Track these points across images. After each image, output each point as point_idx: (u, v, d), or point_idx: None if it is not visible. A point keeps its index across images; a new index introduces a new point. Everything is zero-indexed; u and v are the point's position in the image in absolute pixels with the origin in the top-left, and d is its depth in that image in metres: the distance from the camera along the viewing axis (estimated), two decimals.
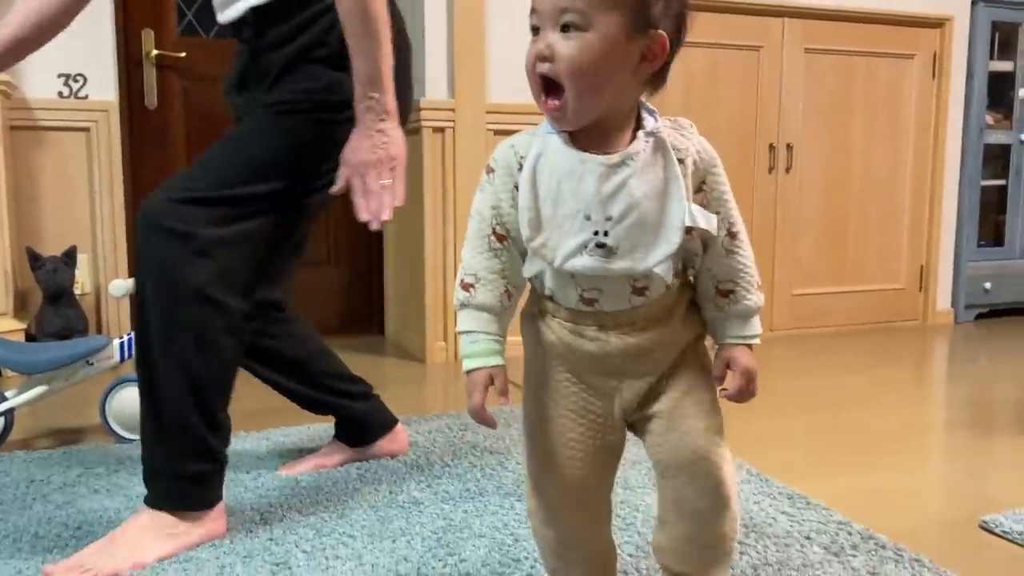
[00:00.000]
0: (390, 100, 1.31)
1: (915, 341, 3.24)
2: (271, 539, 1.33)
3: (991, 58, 3.49)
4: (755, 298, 0.96)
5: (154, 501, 1.30)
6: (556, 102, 0.86)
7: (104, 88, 2.67)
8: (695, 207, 0.90)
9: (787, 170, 3.20)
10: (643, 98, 0.93)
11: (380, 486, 1.56)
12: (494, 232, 0.94)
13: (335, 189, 1.33)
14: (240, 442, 1.82)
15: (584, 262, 0.89)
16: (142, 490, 1.34)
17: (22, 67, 2.56)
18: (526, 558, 1.25)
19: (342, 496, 1.51)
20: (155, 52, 2.88)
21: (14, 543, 1.31)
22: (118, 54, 2.75)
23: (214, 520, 1.33)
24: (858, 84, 3.27)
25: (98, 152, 2.67)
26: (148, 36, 2.88)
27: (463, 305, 0.94)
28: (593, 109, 0.87)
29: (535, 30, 0.87)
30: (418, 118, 2.65)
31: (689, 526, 0.97)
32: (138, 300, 1.31)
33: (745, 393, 0.96)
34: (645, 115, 0.92)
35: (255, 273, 1.36)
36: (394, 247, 3.10)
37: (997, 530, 1.40)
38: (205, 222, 1.27)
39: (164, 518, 1.29)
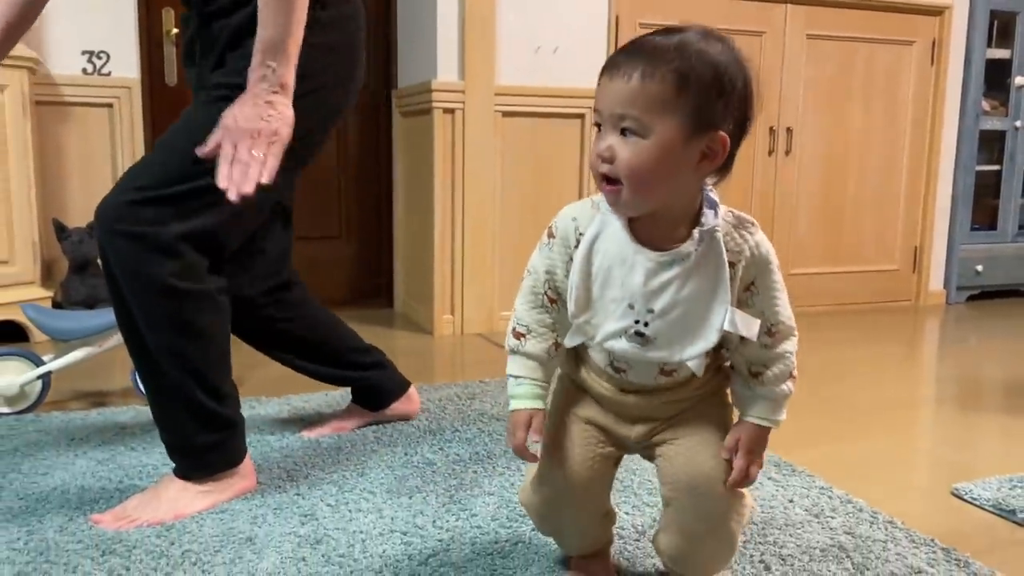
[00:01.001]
0: (287, 74, 1.26)
1: (908, 320, 3.35)
2: (298, 494, 1.44)
3: (989, 46, 3.56)
4: (785, 387, 0.99)
5: (182, 473, 1.40)
6: (613, 189, 0.91)
7: (127, 65, 2.76)
8: (738, 314, 0.94)
9: (787, 153, 3.29)
10: (710, 184, 0.96)
11: (396, 448, 1.68)
12: (546, 294, 1.02)
13: (201, 152, 1.25)
14: (263, 407, 1.94)
15: (622, 346, 0.97)
16: None
17: (48, 43, 2.66)
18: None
19: (361, 457, 1.63)
20: (175, 31, 2.96)
21: (62, 494, 1.43)
22: (140, 32, 2.84)
23: (244, 476, 1.45)
24: (858, 70, 3.35)
25: (120, 127, 2.76)
26: (168, 15, 2.96)
27: (513, 352, 1.04)
28: (649, 204, 0.92)
29: (598, 126, 0.92)
30: (429, 99, 2.75)
31: (687, 544, 1.05)
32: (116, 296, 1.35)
33: (743, 476, 0.98)
34: (706, 209, 0.94)
35: (224, 253, 1.39)
36: (403, 222, 3.20)
37: (967, 496, 1.51)
38: (162, 221, 1.28)
39: (194, 485, 1.39)
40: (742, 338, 0.97)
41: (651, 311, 0.95)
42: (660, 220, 0.94)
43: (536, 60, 2.84)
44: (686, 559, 1.07)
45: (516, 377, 1.03)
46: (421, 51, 2.91)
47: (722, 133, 0.89)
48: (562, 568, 1.19)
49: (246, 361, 2.44)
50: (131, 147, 2.78)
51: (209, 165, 1.24)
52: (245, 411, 1.88)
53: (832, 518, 1.39)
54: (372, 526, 1.32)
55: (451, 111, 2.76)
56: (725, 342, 1.00)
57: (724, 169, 0.93)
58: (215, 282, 1.38)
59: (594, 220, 0.97)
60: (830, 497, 1.47)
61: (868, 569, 1.21)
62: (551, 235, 1.01)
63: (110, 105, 2.75)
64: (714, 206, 0.94)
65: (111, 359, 2.26)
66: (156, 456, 1.61)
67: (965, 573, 1.20)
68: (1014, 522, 1.41)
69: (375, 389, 1.81)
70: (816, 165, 3.36)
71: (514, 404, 1.02)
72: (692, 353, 0.96)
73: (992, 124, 3.63)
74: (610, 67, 0.90)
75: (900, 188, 3.52)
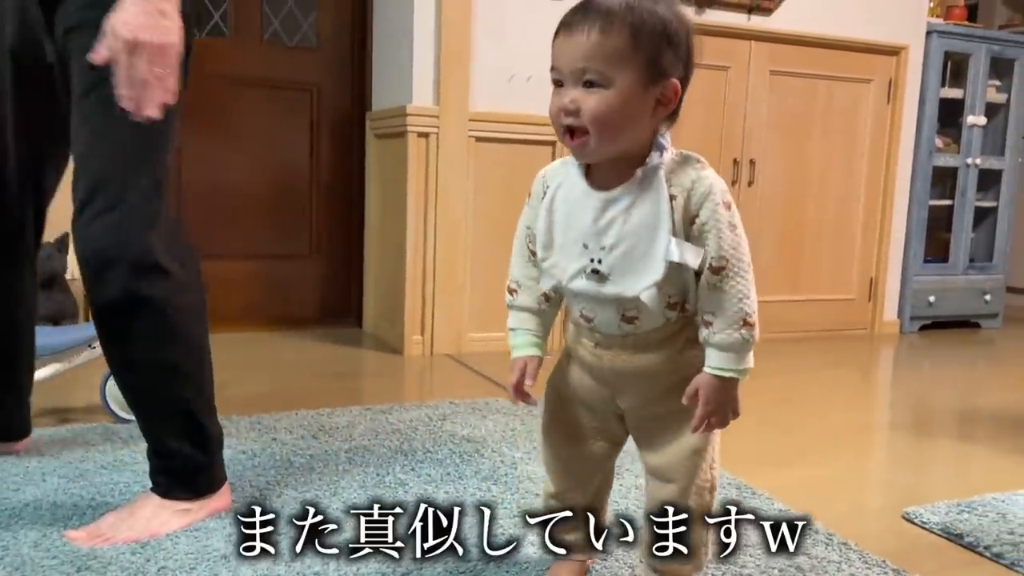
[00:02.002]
0: None
1: (863, 349, 3.45)
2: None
3: (943, 85, 3.71)
4: (738, 334, 1.00)
5: (164, 492, 1.40)
6: (580, 140, 0.97)
7: None
8: (680, 243, 0.98)
9: (749, 184, 3.39)
10: (662, 130, 1.02)
11: (368, 468, 1.70)
12: (529, 247, 1.11)
13: (95, 58, 1.16)
14: (235, 425, 1.95)
15: (582, 284, 1.04)
16: (146, 466, 1.47)
17: None
18: (503, 533, 1.40)
19: (333, 476, 1.65)
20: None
21: (35, 511, 1.43)
22: None
23: (221, 496, 1.46)
24: (818, 105, 3.47)
25: None
26: None
27: (509, 307, 1.14)
28: (613, 149, 0.99)
29: (557, 83, 0.98)
30: (404, 123, 2.79)
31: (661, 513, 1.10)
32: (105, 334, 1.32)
33: (708, 423, 1.02)
34: (653, 152, 1.00)
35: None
36: (374, 242, 3.23)
37: (917, 520, 1.58)
38: (158, 242, 1.28)
39: (173, 504, 1.40)
40: (697, 278, 1.01)
41: (602, 248, 1.01)
42: (615, 164, 1.01)
43: (510, 88, 2.90)
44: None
45: (513, 330, 1.13)
46: (396, 75, 2.96)
47: (674, 80, 0.97)
48: None
49: (218, 380, 2.45)
50: None
51: (159, 158, 1.26)
52: None
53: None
54: (347, 544, 1.35)
55: (425, 135, 2.81)
56: (685, 292, 1.03)
57: (674, 115, 1.01)
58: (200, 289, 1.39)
59: (559, 174, 1.07)
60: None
61: None
62: (529, 194, 1.12)
63: None
64: (661, 148, 1.01)
65: (78, 375, 2.25)
66: (127, 474, 1.61)
67: None
68: (962, 545, 1.48)
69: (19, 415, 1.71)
70: (777, 197, 3.46)
71: (514, 353, 1.12)
72: (644, 284, 1.00)
73: (945, 161, 3.77)
74: (566, 26, 0.97)
75: (857, 220, 3.64)
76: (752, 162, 3.38)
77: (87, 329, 1.99)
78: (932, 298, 3.81)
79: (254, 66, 3.20)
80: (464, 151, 2.85)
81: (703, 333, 1.02)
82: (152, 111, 1.19)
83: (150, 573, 1.23)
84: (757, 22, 3.28)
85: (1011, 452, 2.04)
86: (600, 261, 1.02)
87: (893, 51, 3.55)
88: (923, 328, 3.85)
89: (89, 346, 1.98)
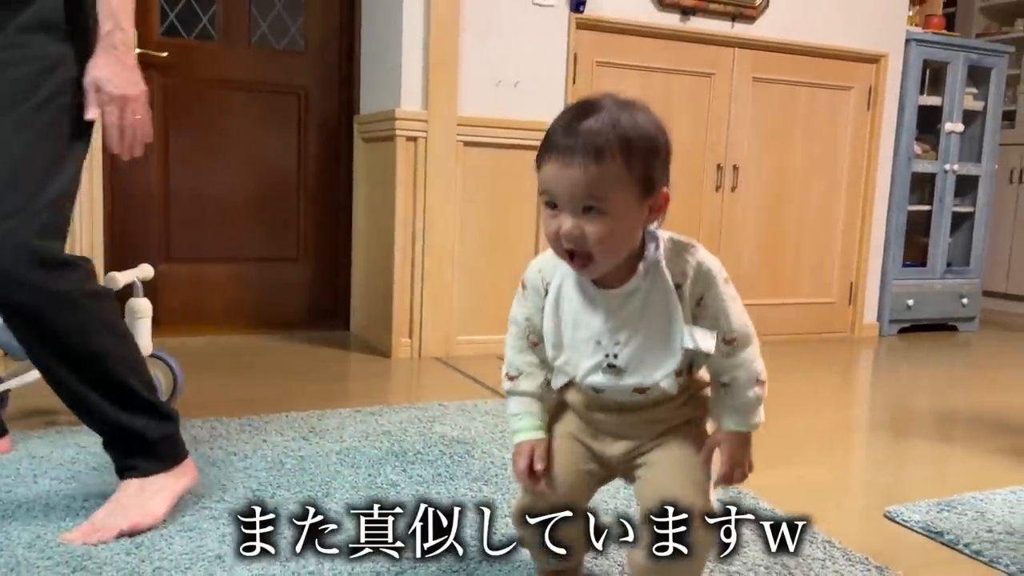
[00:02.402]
0: (132, 35, 1.33)
1: (843, 351, 3.50)
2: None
3: (921, 93, 3.78)
4: (752, 392, 1.07)
5: (141, 473, 1.43)
6: (583, 263, 1.00)
7: None
8: (694, 330, 1.03)
9: (732, 189, 3.43)
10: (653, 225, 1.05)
11: (359, 469, 1.72)
12: (529, 338, 1.15)
13: (91, 115, 1.32)
14: (224, 427, 1.96)
15: (599, 379, 1.08)
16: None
17: None
18: (493, 533, 1.42)
19: (325, 478, 1.66)
20: (137, 50, 2.97)
21: (27, 512, 1.44)
22: None
23: (189, 469, 1.50)
24: (800, 112, 3.53)
25: None
26: None
27: (510, 393, 1.17)
28: (615, 264, 1.02)
29: (550, 204, 1.00)
30: (393, 127, 2.81)
31: (655, 564, 1.06)
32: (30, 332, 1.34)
33: (731, 478, 1.08)
34: (648, 243, 1.04)
35: None
36: (363, 245, 3.24)
37: (898, 519, 1.62)
38: (55, 236, 1.33)
39: (152, 481, 1.43)
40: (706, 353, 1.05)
41: (618, 343, 1.05)
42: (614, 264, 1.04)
43: (497, 93, 2.93)
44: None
45: (516, 414, 1.16)
46: (385, 79, 2.97)
47: (664, 189, 1.01)
48: None
49: (204, 382, 2.46)
50: (88, 164, 2.77)
51: (53, 161, 1.30)
52: (206, 432, 1.92)
53: None
54: (346, 544, 1.36)
55: (414, 139, 2.83)
56: (694, 360, 1.08)
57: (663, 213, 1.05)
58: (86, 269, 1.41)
59: (557, 270, 1.09)
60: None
61: None
62: (523, 287, 1.13)
63: None
64: (655, 239, 1.04)
65: None
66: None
67: None
68: (942, 543, 1.52)
69: None
70: (759, 202, 3.51)
71: (518, 437, 1.14)
72: (662, 374, 1.06)
73: (923, 167, 3.84)
74: (558, 152, 0.97)
75: (837, 225, 3.69)
76: (735, 168, 3.42)
77: None
78: (911, 302, 3.87)
79: (242, 70, 3.20)
80: (452, 155, 2.87)
81: (719, 395, 1.09)
82: (139, 151, 1.35)
83: (145, 573, 1.24)
84: (741, 30, 3.32)
85: (989, 452, 2.09)
86: (616, 356, 1.06)
87: (873, 59, 3.61)
88: (902, 331, 3.91)
89: None
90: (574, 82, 3.06)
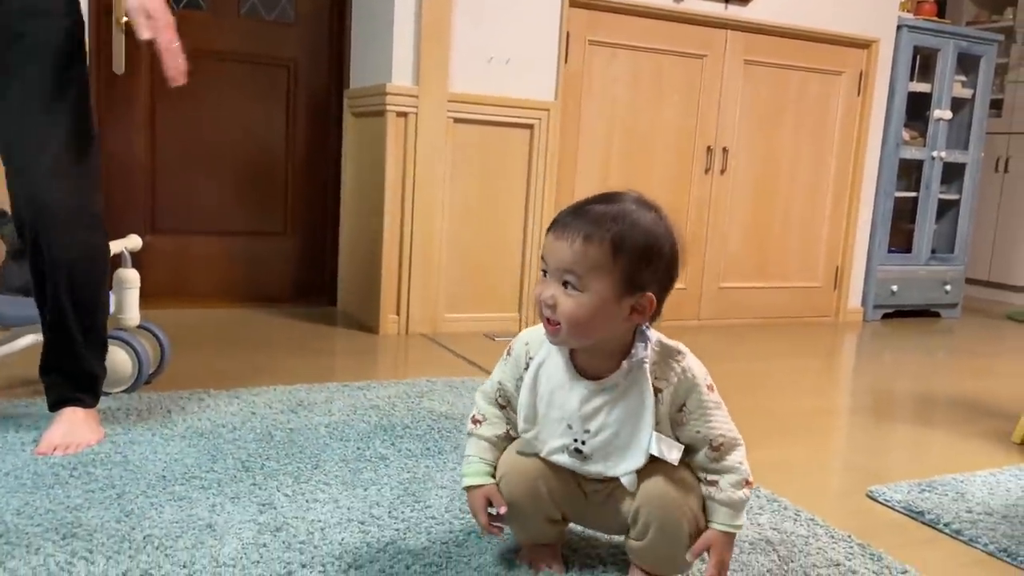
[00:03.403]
0: None
1: (827, 335, 3.53)
2: (254, 484, 1.48)
3: (911, 79, 3.80)
4: (741, 494, 1.09)
5: (91, 403, 1.66)
6: (554, 329, 1.05)
7: None
8: (660, 438, 1.07)
9: (722, 172, 3.44)
10: (644, 325, 1.08)
11: (348, 443, 1.72)
12: (497, 400, 1.20)
13: (145, 36, 1.45)
14: (213, 399, 1.96)
15: (564, 459, 1.12)
16: (127, 438, 1.60)
17: None
18: None
19: (315, 450, 1.67)
20: (125, 19, 2.93)
21: (16, 479, 1.43)
22: (89, 19, 2.80)
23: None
24: (791, 96, 3.53)
25: None
26: (118, 2, 2.93)
27: (469, 434, 1.21)
28: (586, 343, 1.06)
29: (543, 271, 1.06)
30: (383, 102, 2.79)
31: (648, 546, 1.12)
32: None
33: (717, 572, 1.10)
34: (637, 342, 1.07)
35: None
36: (350, 220, 3.23)
37: (880, 498, 1.64)
38: (96, 200, 1.59)
39: (91, 412, 1.66)
40: (688, 453, 1.10)
41: (587, 431, 1.09)
42: (596, 353, 1.09)
43: (489, 70, 2.92)
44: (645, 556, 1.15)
45: (468, 456, 1.20)
46: (376, 54, 2.95)
47: (649, 294, 1.04)
48: (514, 556, 1.26)
49: (192, 354, 2.45)
50: None
51: (91, 127, 1.55)
52: (194, 403, 1.92)
53: (759, 515, 1.49)
54: (330, 515, 1.37)
55: (404, 115, 2.81)
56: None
57: (654, 316, 1.07)
58: None
59: (543, 346, 1.13)
60: (757, 496, 1.58)
61: (792, 561, 1.32)
62: (508, 353, 1.18)
63: None
64: (645, 340, 1.08)
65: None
66: (107, 445, 1.62)
67: (879, 566, 1.32)
68: (923, 522, 1.54)
69: None
70: (748, 185, 3.52)
71: (465, 481, 1.19)
72: (624, 470, 1.09)
73: (911, 153, 3.86)
74: (557, 227, 1.04)
75: (825, 210, 3.71)
76: (725, 150, 3.43)
77: None
78: (895, 287, 3.91)
79: (231, 41, 3.17)
80: (442, 132, 2.86)
81: (709, 491, 1.10)
82: (184, 78, 1.49)
83: (136, 541, 1.24)
84: (734, 11, 3.32)
85: (969, 435, 2.12)
86: (583, 443, 1.10)
87: (864, 44, 3.61)
88: (885, 316, 3.95)
89: None
90: (566, 60, 3.05)
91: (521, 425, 1.15)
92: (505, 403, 1.19)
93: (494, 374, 1.20)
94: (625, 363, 1.06)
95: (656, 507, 1.09)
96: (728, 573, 1.14)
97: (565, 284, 1.03)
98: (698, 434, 1.09)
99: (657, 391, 1.07)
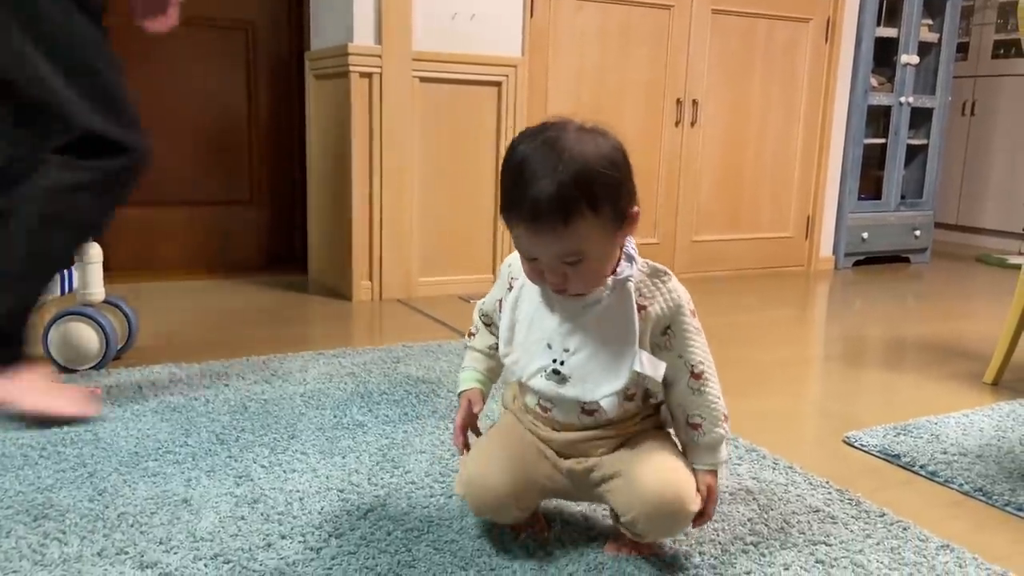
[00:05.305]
0: None
1: (800, 284, 3.56)
2: (230, 456, 1.46)
3: (878, 25, 3.78)
4: (721, 430, 1.08)
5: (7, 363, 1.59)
6: (571, 293, 1.02)
7: None
8: (645, 355, 1.02)
9: (692, 124, 3.42)
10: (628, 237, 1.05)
11: (324, 411, 1.70)
12: (482, 317, 1.21)
13: None
14: (184, 371, 1.93)
15: (541, 383, 1.07)
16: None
17: None
18: None
19: (290, 420, 1.65)
20: None
21: None
22: None
23: None
24: (759, 45, 3.50)
25: None
26: None
27: (466, 347, 1.23)
28: (599, 285, 1.03)
29: (530, 259, 1.01)
30: (346, 63, 2.73)
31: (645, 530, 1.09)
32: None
33: (709, 514, 1.10)
34: (623, 261, 1.04)
35: None
36: (318, 186, 3.17)
37: (856, 444, 1.66)
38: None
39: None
40: (672, 384, 1.08)
41: (566, 350, 1.05)
42: None
43: (453, 27, 2.85)
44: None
45: (463, 368, 1.21)
46: (336, 13, 2.87)
47: (635, 209, 1.01)
48: None
49: (160, 327, 2.41)
50: None
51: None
52: (165, 377, 1.89)
53: (738, 465, 1.50)
54: (308, 485, 1.36)
55: (368, 75, 2.75)
56: (651, 390, 1.11)
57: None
58: None
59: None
60: (736, 446, 1.59)
61: (772, 509, 1.33)
62: (499, 274, 1.15)
63: None
64: (631, 259, 1.04)
65: None
66: (76, 423, 1.58)
67: (857, 510, 1.33)
68: (899, 465, 1.56)
69: None
70: (718, 137, 3.50)
71: (459, 387, 1.20)
72: (604, 391, 1.04)
73: (879, 100, 3.86)
74: (525, 221, 0.96)
75: (795, 159, 3.71)
76: (695, 102, 3.40)
77: None
78: (865, 235, 3.93)
79: (186, 3, 3.06)
80: (408, 92, 2.80)
81: (691, 435, 1.09)
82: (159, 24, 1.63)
83: (110, 519, 1.22)
84: None
85: (941, 378, 2.15)
86: (562, 363, 1.05)
87: None
88: (856, 264, 3.98)
89: None
90: (532, 15, 2.99)
91: (502, 349, 1.11)
92: (489, 321, 1.19)
93: (490, 292, 1.20)
94: (610, 280, 1.03)
95: (656, 512, 1.05)
96: (709, 521, 1.14)
97: (567, 263, 0.99)
98: (680, 359, 1.06)
99: (641, 308, 1.03)
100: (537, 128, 1.01)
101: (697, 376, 1.07)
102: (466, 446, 1.18)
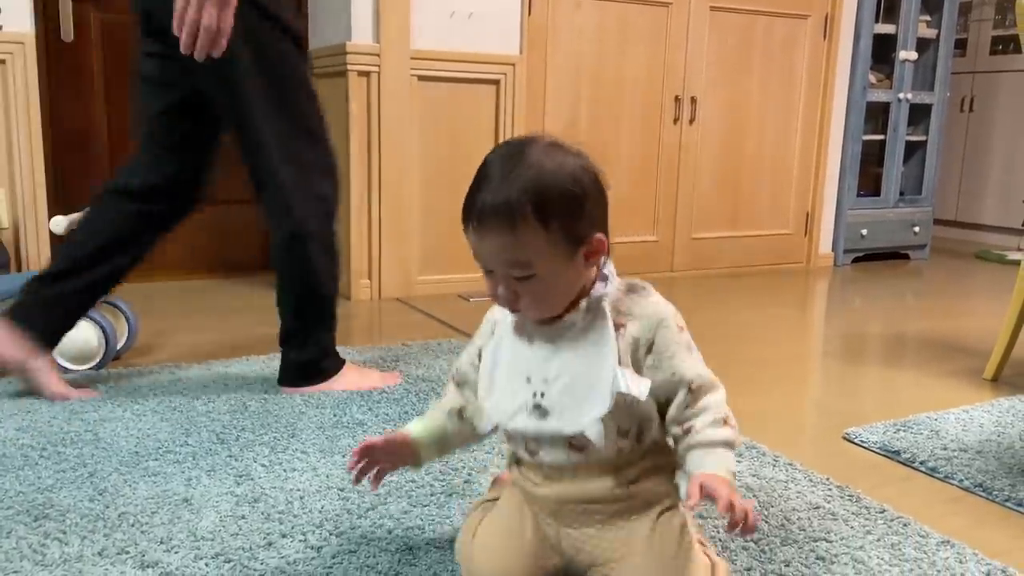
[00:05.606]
0: None
1: (799, 281, 3.56)
2: (230, 456, 1.46)
3: (876, 21, 3.77)
4: (721, 432, 0.92)
5: None
6: (524, 312, 0.96)
7: (19, 19, 2.62)
8: (627, 373, 0.93)
9: (691, 121, 3.42)
10: (604, 260, 0.98)
11: (324, 410, 1.70)
12: (454, 379, 1.09)
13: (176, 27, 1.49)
14: (184, 372, 1.93)
15: (523, 421, 0.98)
16: (97, 415, 1.53)
17: None
18: (463, 467, 1.43)
19: (290, 419, 1.65)
20: None
21: None
22: None
23: None
24: (757, 42, 3.50)
25: (14, 85, 2.63)
26: None
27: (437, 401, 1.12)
28: (557, 311, 0.96)
29: (486, 271, 0.95)
30: (344, 61, 2.72)
31: None
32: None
33: (738, 522, 0.85)
34: (598, 282, 0.97)
35: None
36: None
37: (856, 440, 1.66)
38: None
39: None
40: (668, 402, 0.96)
41: (546, 380, 0.97)
42: None
43: (451, 25, 2.85)
44: None
45: (421, 416, 1.12)
46: (334, 12, 2.87)
47: (598, 236, 0.94)
48: None
49: (160, 327, 2.41)
50: (26, 106, 2.65)
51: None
52: (165, 377, 1.89)
53: (739, 462, 1.50)
54: (308, 484, 1.36)
55: (366, 74, 2.75)
56: (643, 422, 0.97)
57: (609, 251, 0.97)
58: None
59: (505, 313, 1.01)
60: None
61: (772, 506, 1.33)
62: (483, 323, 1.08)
63: (2, 62, 2.61)
64: (605, 279, 0.97)
65: None
66: (76, 423, 1.59)
67: (857, 507, 1.33)
68: (899, 462, 1.56)
69: None
70: (717, 134, 3.50)
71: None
72: (589, 419, 0.94)
73: (878, 96, 3.85)
74: (474, 224, 0.92)
75: (794, 156, 3.71)
76: (693, 99, 3.40)
77: (23, 279, 1.92)
78: (864, 231, 3.93)
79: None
80: (407, 90, 2.80)
81: (684, 442, 0.94)
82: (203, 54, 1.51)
83: (110, 519, 1.22)
84: None
85: (941, 374, 2.15)
86: (543, 395, 0.97)
87: None
88: (855, 260, 3.98)
89: None
90: (529, 13, 2.99)
91: (481, 393, 1.03)
92: (461, 380, 1.09)
93: (462, 353, 1.10)
94: (583, 301, 0.96)
95: None
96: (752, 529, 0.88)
97: (514, 277, 0.93)
98: (673, 376, 0.94)
99: (619, 326, 0.95)
100: (513, 140, 0.97)
101: (693, 391, 0.95)
102: (361, 473, 1.07)
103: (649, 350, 0.95)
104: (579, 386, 0.95)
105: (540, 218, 0.90)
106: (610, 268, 0.98)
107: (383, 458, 1.07)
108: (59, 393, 1.71)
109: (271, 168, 1.70)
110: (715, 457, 0.92)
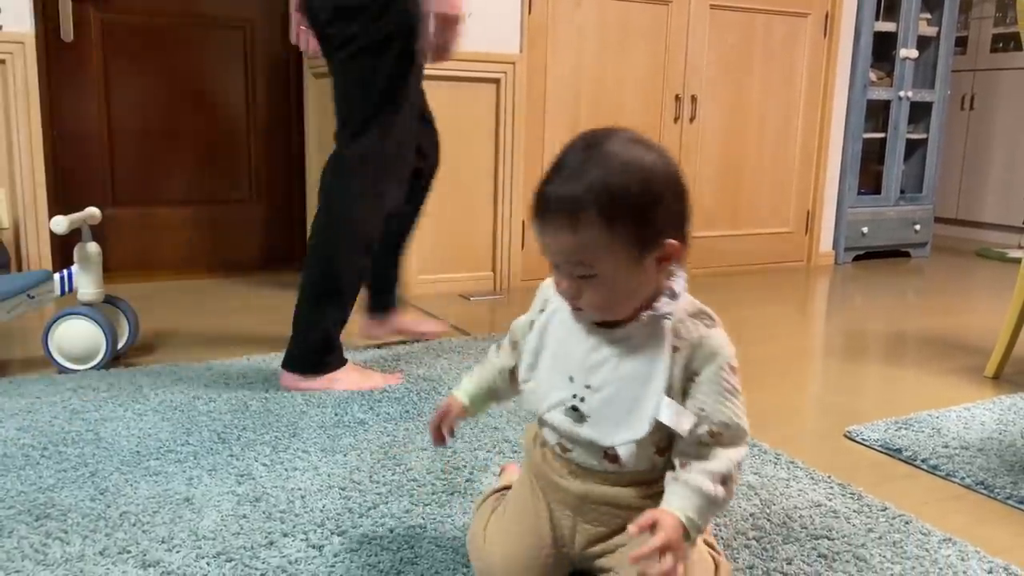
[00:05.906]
0: None
1: (800, 280, 3.55)
2: (231, 455, 1.46)
3: (877, 19, 3.77)
4: (711, 485, 0.88)
5: None
6: (580, 313, 0.94)
7: (19, 19, 2.62)
8: (673, 404, 0.90)
9: (691, 120, 3.41)
10: (676, 271, 0.94)
11: (326, 409, 1.70)
12: (511, 335, 1.10)
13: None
14: (183, 371, 1.93)
15: (559, 418, 0.96)
16: (98, 415, 1.52)
17: None
18: (465, 466, 1.43)
19: (291, 418, 1.65)
20: None
21: None
22: None
23: None
24: (758, 40, 3.50)
25: (14, 85, 2.63)
26: None
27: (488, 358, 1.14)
28: (622, 315, 0.93)
29: (555, 265, 0.92)
30: None
31: None
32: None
33: (649, 569, 0.83)
34: (664, 296, 0.93)
35: None
36: (316, 185, 3.16)
37: (858, 438, 1.66)
38: None
39: None
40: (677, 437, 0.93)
41: (588, 386, 0.94)
42: None
43: None
44: None
45: (468, 372, 1.15)
46: None
47: (671, 240, 0.89)
48: None
49: (161, 327, 2.41)
50: (26, 105, 2.65)
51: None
52: (167, 376, 1.89)
53: None
54: (310, 483, 1.36)
55: None
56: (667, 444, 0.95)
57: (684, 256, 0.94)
58: None
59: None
60: None
61: (774, 504, 1.33)
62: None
63: (2, 61, 2.61)
64: (674, 295, 0.93)
65: (12, 328, 2.19)
66: (78, 423, 1.59)
67: (859, 505, 1.33)
68: (900, 459, 1.56)
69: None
70: (718, 132, 3.50)
71: (453, 391, 1.14)
72: (622, 438, 0.92)
73: (878, 94, 3.85)
74: (537, 217, 0.90)
75: (794, 155, 3.71)
76: (694, 98, 3.40)
77: (25, 278, 1.92)
78: (865, 229, 3.93)
79: (184, 2, 3.06)
80: None
81: (672, 474, 0.92)
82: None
83: (112, 518, 1.22)
84: None
85: (942, 372, 2.15)
86: (583, 399, 0.94)
87: None
88: (856, 258, 3.98)
89: (28, 296, 1.92)
90: (529, 11, 2.98)
91: (522, 374, 1.01)
92: (516, 340, 1.08)
93: (522, 316, 1.09)
94: (644, 315, 0.92)
95: None
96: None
97: (578, 275, 0.90)
98: (701, 412, 0.91)
99: (676, 350, 0.91)
100: (593, 131, 0.93)
101: (713, 435, 0.91)
102: (442, 440, 1.12)
103: (692, 378, 0.92)
104: (621, 402, 0.93)
105: (604, 217, 0.86)
106: (681, 284, 0.95)
107: (446, 422, 1.12)
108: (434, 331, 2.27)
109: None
110: (687, 501, 0.88)
